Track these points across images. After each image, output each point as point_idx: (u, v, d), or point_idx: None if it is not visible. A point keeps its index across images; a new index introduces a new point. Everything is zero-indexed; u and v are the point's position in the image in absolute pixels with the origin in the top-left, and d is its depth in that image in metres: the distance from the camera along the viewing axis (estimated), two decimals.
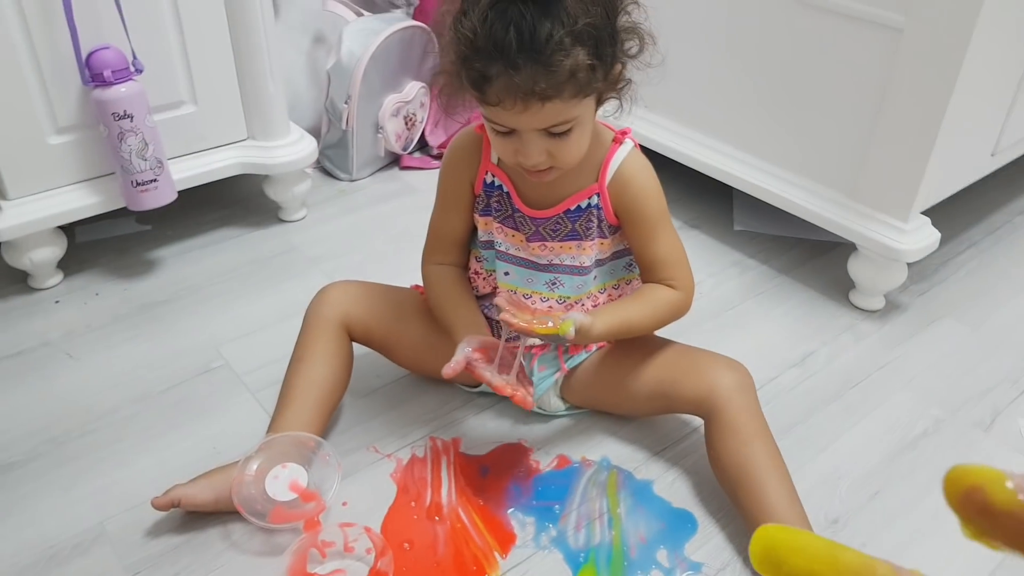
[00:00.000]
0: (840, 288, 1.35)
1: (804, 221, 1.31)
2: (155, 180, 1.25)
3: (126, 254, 1.42)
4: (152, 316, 1.27)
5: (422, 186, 1.64)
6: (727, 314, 1.29)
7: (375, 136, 1.66)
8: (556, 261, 0.97)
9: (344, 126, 1.61)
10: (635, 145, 0.95)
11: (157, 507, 0.87)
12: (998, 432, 1.07)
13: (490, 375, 0.87)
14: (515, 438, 1.04)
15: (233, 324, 1.24)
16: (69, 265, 1.36)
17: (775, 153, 1.34)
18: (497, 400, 1.08)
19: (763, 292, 1.35)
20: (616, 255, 1.00)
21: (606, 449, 1.02)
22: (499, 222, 0.97)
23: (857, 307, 1.31)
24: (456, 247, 1.03)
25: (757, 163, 1.37)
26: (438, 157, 1.75)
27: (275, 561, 0.87)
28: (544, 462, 1.00)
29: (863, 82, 1.17)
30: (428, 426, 1.05)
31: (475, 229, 1.02)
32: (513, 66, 0.75)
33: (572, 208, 0.94)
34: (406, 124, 1.70)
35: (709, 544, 0.90)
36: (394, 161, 1.75)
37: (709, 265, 1.40)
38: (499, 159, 0.94)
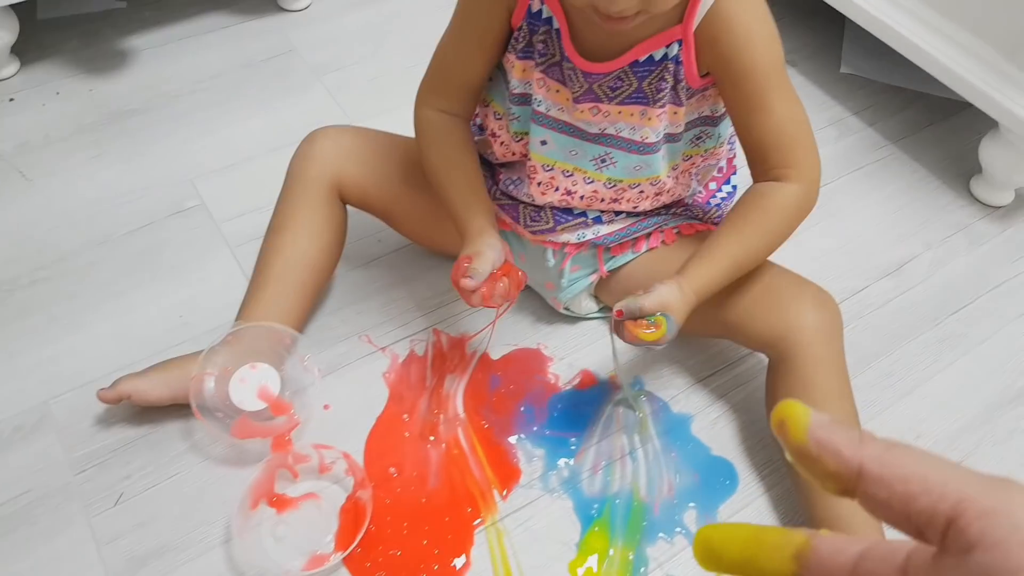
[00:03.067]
0: (961, 169, 1.10)
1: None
2: None
3: (95, 40, 1.20)
4: (121, 130, 1.08)
5: None
6: None
7: None
8: (610, 131, 0.74)
9: None
10: None
11: (103, 400, 0.75)
12: None
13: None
14: (534, 342, 0.88)
15: (214, 151, 1.05)
16: (27, 51, 1.16)
17: None
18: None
19: (863, 167, 1.10)
20: (692, 124, 0.76)
21: (641, 367, 0.86)
22: (542, 71, 0.73)
23: (978, 199, 1.07)
24: (466, 93, 0.78)
25: None
26: None
27: (240, 473, 0.76)
28: (565, 376, 0.85)
29: None
30: (433, 314, 0.90)
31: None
32: None
33: (641, 59, 0.69)
34: None
35: (749, 508, 0.77)
36: None
37: None
38: None
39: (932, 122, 1.16)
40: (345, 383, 0.83)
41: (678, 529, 0.75)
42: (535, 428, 0.80)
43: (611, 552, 0.73)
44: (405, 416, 0.81)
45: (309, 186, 0.82)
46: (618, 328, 0.69)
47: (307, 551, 0.70)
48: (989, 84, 0.98)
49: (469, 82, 0.77)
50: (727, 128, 0.78)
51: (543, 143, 0.77)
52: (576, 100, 0.73)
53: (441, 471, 0.77)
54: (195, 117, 1.10)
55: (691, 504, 0.76)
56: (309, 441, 0.76)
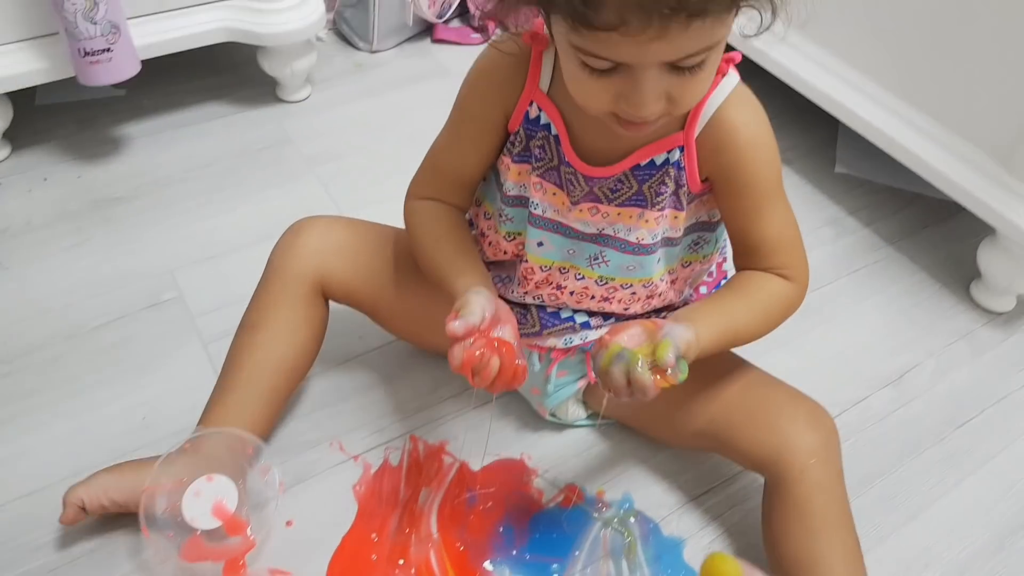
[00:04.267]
0: (961, 273, 1.05)
1: None
2: (108, 50, 0.98)
3: (89, 127, 1.17)
4: (105, 217, 1.04)
5: (457, 67, 1.32)
6: (810, 296, 0.98)
7: None
8: (608, 231, 0.69)
9: None
10: (739, 80, 0.65)
11: (65, 523, 0.68)
12: None
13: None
14: (517, 451, 0.81)
15: (198, 240, 1.01)
16: (21, 135, 1.13)
17: (908, 86, 1.00)
18: (504, 395, 0.84)
19: (861, 268, 1.05)
20: (691, 229, 0.72)
21: (630, 482, 0.79)
22: (539, 175, 0.69)
23: (979, 304, 1.01)
24: (461, 190, 0.74)
25: (879, 94, 1.03)
26: (482, 29, 1.42)
27: None
28: (548, 492, 0.78)
29: None
30: (412, 419, 0.83)
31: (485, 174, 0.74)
32: None
33: (643, 163, 0.65)
34: None
35: None
36: (426, 31, 1.42)
37: (797, 220, 1.10)
38: (548, 89, 0.65)
39: (930, 224, 1.12)
40: (312, 496, 0.76)
41: None
42: (514, 552, 0.73)
43: None
44: (374, 536, 0.73)
45: (289, 282, 0.77)
46: (609, 377, 0.58)
47: None
48: (983, 190, 0.94)
49: (463, 178, 0.74)
50: (723, 234, 0.74)
51: (540, 244, 0.72)
52: (574, 202, 0.68)
53: None
54: (183, 206, 1.06)
55: None
56: (267, 564, 0.69)
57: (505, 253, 0.76)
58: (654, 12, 0.47)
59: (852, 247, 1.08)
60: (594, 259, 0.72)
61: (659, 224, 0.68)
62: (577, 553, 0.73)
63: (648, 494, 0.78)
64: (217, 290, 0.94)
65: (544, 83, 0.66)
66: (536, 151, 0.68)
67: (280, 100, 1.25)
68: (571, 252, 0.72)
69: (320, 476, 0.78)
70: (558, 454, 0.81)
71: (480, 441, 0.81)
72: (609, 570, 0.72)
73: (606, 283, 0.73)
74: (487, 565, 0.72)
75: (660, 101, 0.55)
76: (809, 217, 1.12)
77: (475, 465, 0.79)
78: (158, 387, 0.84)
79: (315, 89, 1.27)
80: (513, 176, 0.70)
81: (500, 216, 0.73)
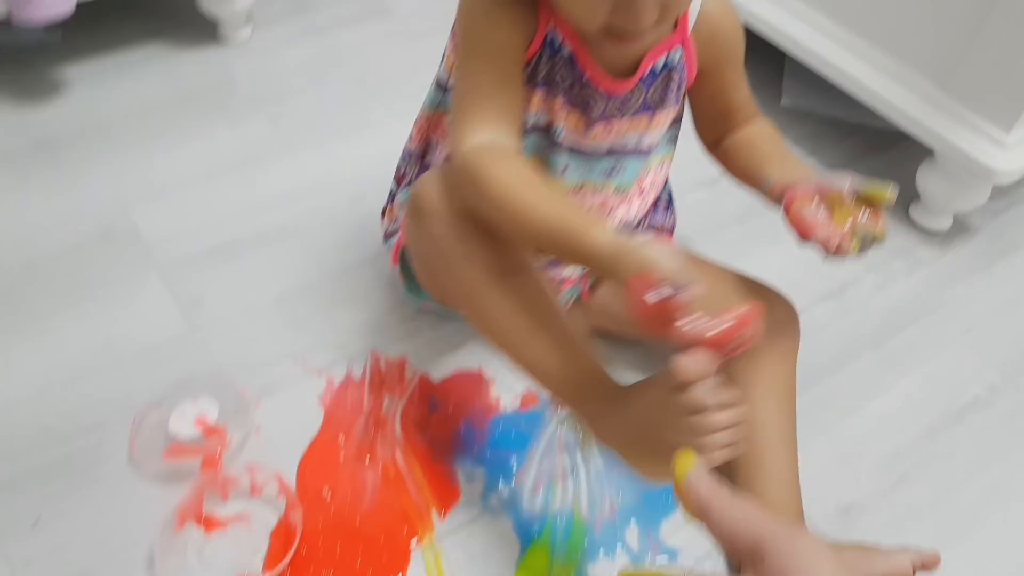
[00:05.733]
0: (901, 197, 1.17)
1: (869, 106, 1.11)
2: None
3: (27, 70, 1.22)
4: (51, 158, 1.10)
5: (401, 7, 1.40)
6: (754, 220, 1.12)
7: None
8: (618, 145, 0.78)
9: None
10: None
11: None
12: None
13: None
14: (475, 364, 0.91)
15: (146, 177, 1.08)
16: None
17: (849, 14, 1.11)
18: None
19: None
20: (672, 124, 0.82)
21: None
22: (564, 98, 0.73)
23: (917, 225, 1.14)
24: (517, 129, 0.70)
25: (823, 23, 1.14)
26: None
27: (168, 495, 0.76)
28: (506, 399, 0.88)
29: None
30: (372, 336, 0.92)
31: None
32: None
33: (651, 69, 0.73)
34: None
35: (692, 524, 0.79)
36: None
37: None
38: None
39: (871, 151, 1.24)
40: (279, 406, 0.85)
41: (619, 546, 0.77)
42: (475, 449, 0.83)
43: (551, 570, 0.74)
44: (341, 438, 0.82)
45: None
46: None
47: (234, 573, 0.71)
48: (923, 112, 1.06)
49: (516, 114, 0.70)
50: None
51: (564, 169, 0.78)
52: (592, 122, 0.74)
53: (377, 492, 0.78)
54: (128, 145, 1.12)
55: (632, 521, 0.79)
56: (242, 463, 0.77)
57: None
58: None
59: None
60: (611, 172, 0.80)
61: (664, 124, 0.78)
62: (535, 448, 0.83)
63: None
64: (170, 223, 1.02)
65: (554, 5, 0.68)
66: (558, 75, 0.72)
67: (221, 42, 1.31)
68: (588, 171, 0.79)
69: (286, 389, 0.86)
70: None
71: (438, 356, 0.90)
72: (565, 462, 0.82)
73: (623, 192, 0.82)
74: (450, 460, 0.81)
75: (655, 8, 0.62)
76: None
77: (435, 376, 0.89)
78: (118, 311, 0.92)
79: (257, 30, 1.33)
80: (535, 104, 0.73)
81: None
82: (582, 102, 0.73)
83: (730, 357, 0.57)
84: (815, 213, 0.67)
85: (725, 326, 0.55)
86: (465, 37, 0.70)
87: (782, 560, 0.35)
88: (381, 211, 0.93)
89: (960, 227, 1.14)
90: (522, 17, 0.69)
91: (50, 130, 1.13)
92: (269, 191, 1.07)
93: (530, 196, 0.63)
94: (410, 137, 0.87)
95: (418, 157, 0.87)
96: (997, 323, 1.03)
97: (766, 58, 1.33)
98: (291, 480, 0.78)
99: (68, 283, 0.94)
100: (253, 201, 1.05)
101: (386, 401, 0.86)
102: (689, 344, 0.55)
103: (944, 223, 1.13)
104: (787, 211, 0.69)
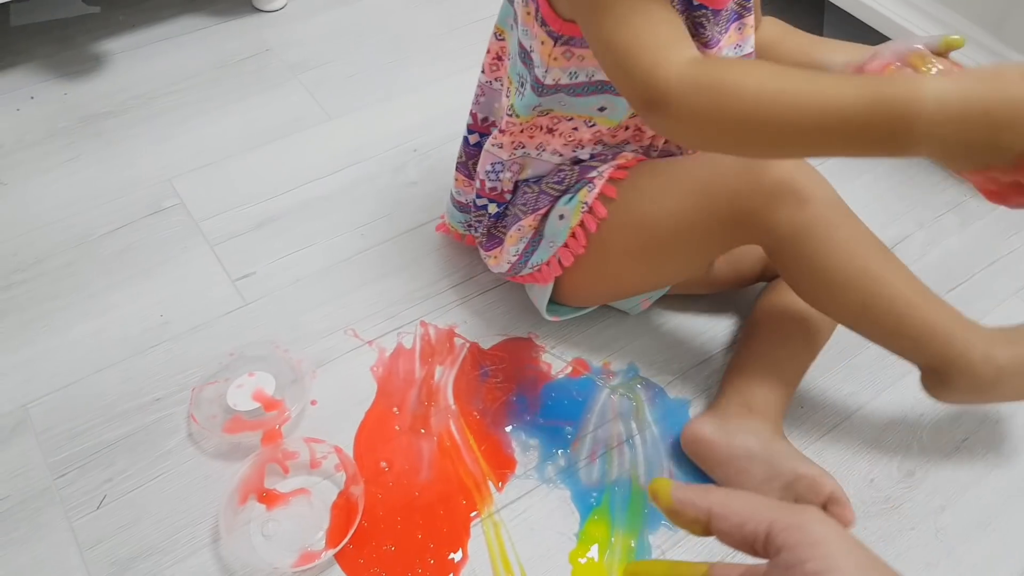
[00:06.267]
0: None
1: None
2: None
3: (69, 45, 1.21)
4: (96, 132, 1.09)
5: None
6: None
7: None
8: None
9: None
10: None
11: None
12: None
13: None
14: (524, 331, 0.89)
15: (191, 150, 1.07)
16: (1, 56, 1.17)
17: None
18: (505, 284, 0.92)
19: None
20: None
21: (634, 354, 0.88)
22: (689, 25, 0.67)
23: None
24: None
25: None
26: None
27: (229, 471, 0.76)
28: (557, 366, 0.87)
29: None
30: (420, 306, 0.91)
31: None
32: None
33: None
34: None
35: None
36: None
37: None
38: None
39: None
40: (333, 378, 0.84)
41: None
42: (528, 418, 0.82)
43: (612, 540, 0.74)
44: (395, 409, 0.82)
45: None
46: None
47: (297, 548, 0.71)
48: (974, 61, 1.00)
49: (686, 32, 0.62)
50: None
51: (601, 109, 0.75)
52: (704, 49, 0.70)
53: (434, 464, 0.78)
54: (171, 117, 1.11)
55: None
56: (300, 436, 0.77)
57: (581, 144, 0.78)
58: None
59: None
60: None
61: (751, 30, 0.76)
62: (588, 416, 0.82)
63: (652, 361, 0.87)
64: (217, 196, 1.01)
65: None
66: (675, 3, 0.65)
67: (256, 10, 1.29)
68: None
69: (338, 360, 0.86)
70: (562, 333, 0.89)
71: (487, 324, 0.89)
72: (620, 430, 0.81)
73: None
74: (504, 430, 0.80)
75: None
76: None
77: (485, 344, 0.87)
78: (172, 288, 0.91)
79: None
80: None
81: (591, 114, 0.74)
82: (693, 28, 0.68)
83: None
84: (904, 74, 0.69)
85: None
86: None
87: (800, 551, 0.33)
88: (467, 224, 0.89)
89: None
90: None
91: (96, 105, 1.12)
92: (310, 161, 1.05)
93: (796, 81, 0.50)
94: (498, 145, 0.79)
95: (515, 168, 0.81)
96: None
97: (808, 9, 1.27)
98: (349, 453, 0.78)
99: (122, 261, 0.94)
100: (295, 172, 1.04)
101: (437, 371, 0.85)
102: None
103: None
104: None
